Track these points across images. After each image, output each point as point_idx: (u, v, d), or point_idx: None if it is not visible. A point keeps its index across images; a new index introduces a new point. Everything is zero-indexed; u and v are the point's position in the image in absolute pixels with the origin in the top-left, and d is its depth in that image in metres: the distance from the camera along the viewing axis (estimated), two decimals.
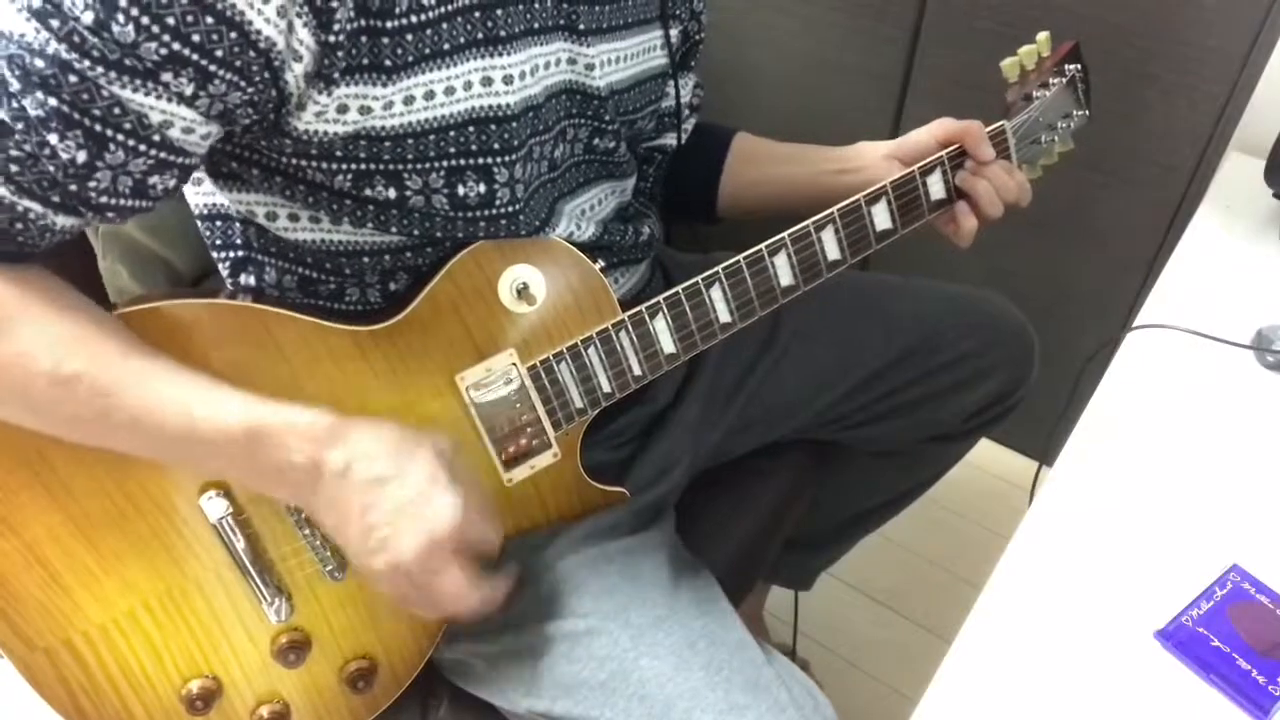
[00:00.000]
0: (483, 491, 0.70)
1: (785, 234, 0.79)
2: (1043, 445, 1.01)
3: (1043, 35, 0.87)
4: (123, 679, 0.72)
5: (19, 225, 0.58)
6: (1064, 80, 0.88)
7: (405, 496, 0.63)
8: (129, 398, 0.59)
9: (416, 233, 0.71)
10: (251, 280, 0.76)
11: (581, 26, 0.74)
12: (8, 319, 0.58)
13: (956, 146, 0.84)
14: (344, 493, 0.62)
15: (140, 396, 0.59)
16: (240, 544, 0.70)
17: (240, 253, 0.75)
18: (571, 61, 0.74)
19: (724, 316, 0.80)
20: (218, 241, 0.76)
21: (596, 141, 0.80)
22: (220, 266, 0.77)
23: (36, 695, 0.71)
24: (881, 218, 0.82)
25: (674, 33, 0.86)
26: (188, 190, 0.76)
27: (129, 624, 0.71)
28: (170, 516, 0.69)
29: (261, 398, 0.62)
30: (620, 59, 0.79)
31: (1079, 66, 0.89)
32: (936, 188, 0.84)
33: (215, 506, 0.69)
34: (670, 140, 0.96)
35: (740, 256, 0.78)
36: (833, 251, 0.81)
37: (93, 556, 0.68)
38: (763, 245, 0.79)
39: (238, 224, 0.74)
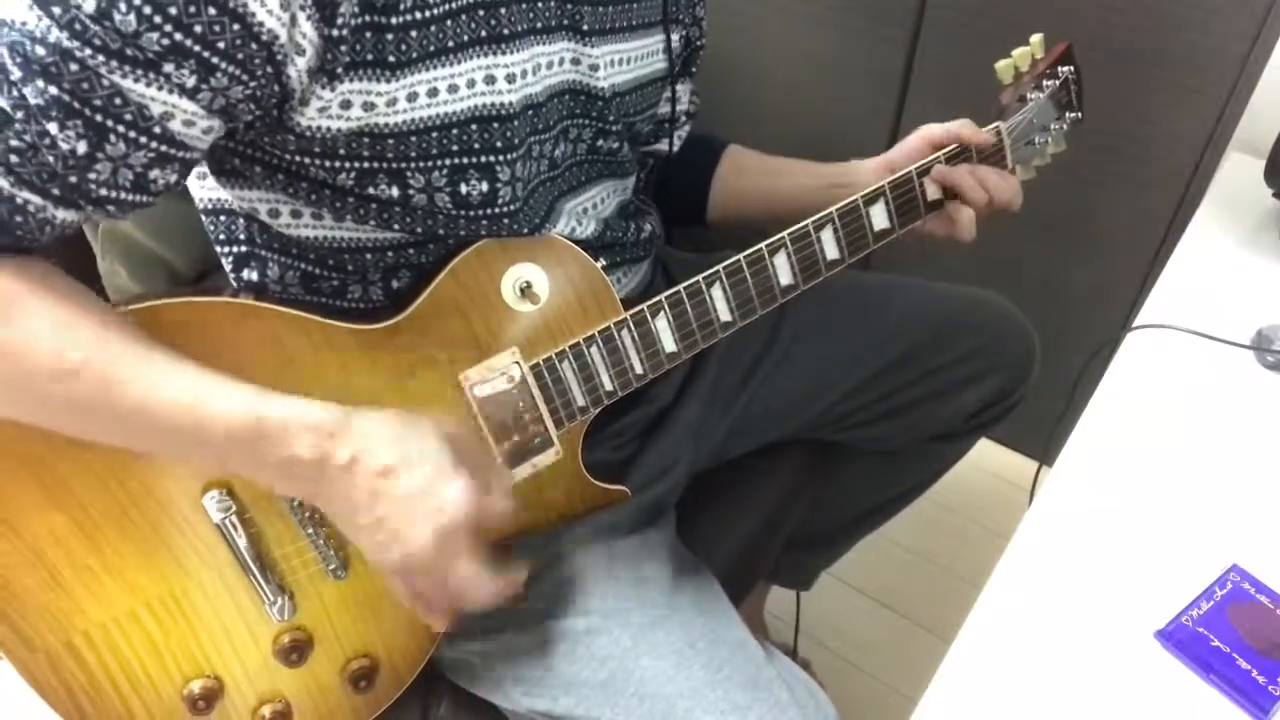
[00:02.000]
0: (490, 465, 0.69)
1: (785, 233, 0.80)
2: (1043, 445, 1.01)
3: (1036, 38, 0.87)
4: (124, 679, 0.72)
5: (18, 218, 0.58)
6: (1057, 82, 0.88)
7: (414, 485, 0.62)
8: (132, 389, 0.58)
9: (419, 230, 0.71)
10: (254, 276, 0.76)
11: (585, 27, 0.74)
12: (10, 307, 0.57)
13: (953, 147, 0.84)
14: (352, 485, 0.62)
15: (144, 388, 0.58)
16: (243, 543, 0.70)
17: (243, 248, 0.75)
18: (575, 62, 0.74)
19: (724, 315, 0.80)
20: (221, 236, 0.76)
21: (601, 142, 0.80)
22: (224, 261, 0.77)
23: (37, 696, 0.71)
24: (879, 218, 0.83)
25: (674, 38, 0.86)
26: (192, 184, 0.76)
27: (130, 624, 0.71)
28: (172, 516, 0.69)
29: (266, 391, 0.61)
30: (624, 61, 0.79)
31: (1072, 69, 0.90)
32: (933, 188, 0.85)
33: (217, 506, 0.69)
34: (664, 146, 0.96)
35: (740, 255, 0.79)
36: (832, 251, 0.82)
37: (94, 557, 0.68)
38: (763, 245, 0.79)
39: (241, 220, 0.74)
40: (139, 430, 0.60)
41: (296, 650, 0.75)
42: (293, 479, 0.63)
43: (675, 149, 0.98)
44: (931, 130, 0.86)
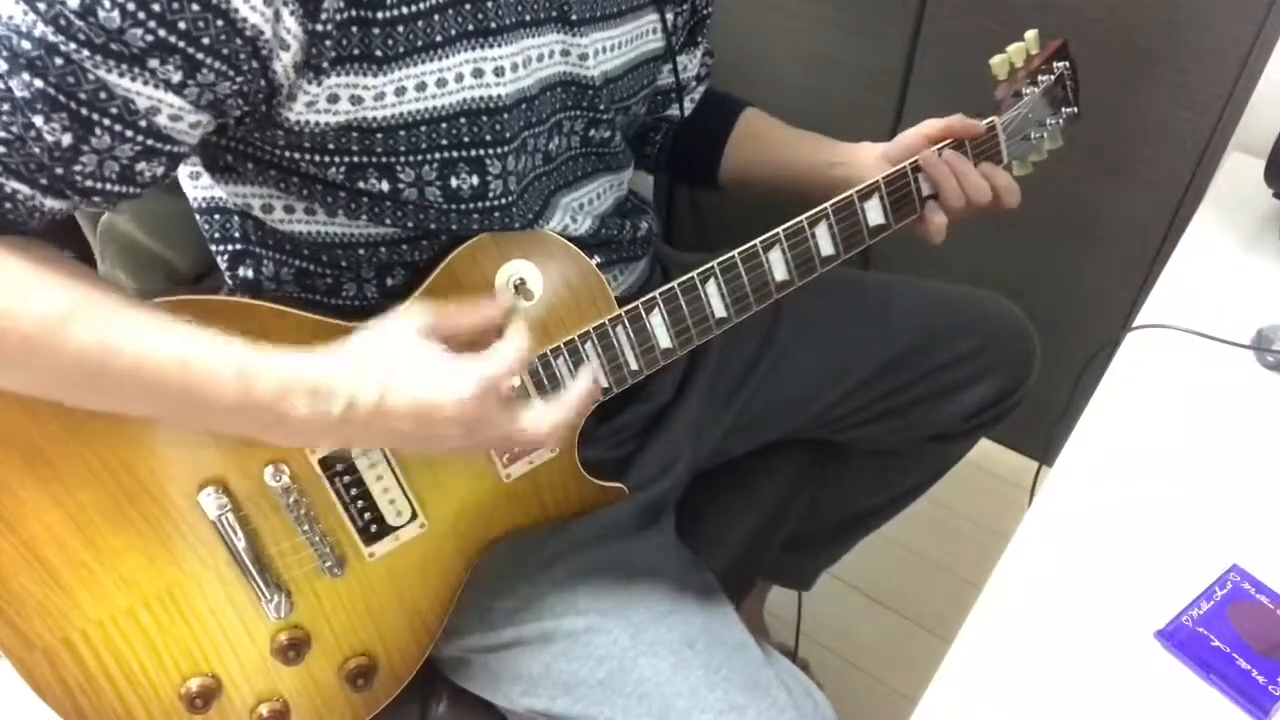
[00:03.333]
0: (480, 327, 0.68)
1: (780, 229, 0.79)
2: (1043, 445, 1.01)
3: (1031, 33, 0.87)
4: (122, 678, 0.72)
5: (7, 205, 0.58)
6: (1053, 78, 0.88)
7: (414, 392, 0.61)
8: (126, 348, 0.57)
9: (411, 225, 0.71)
10: (249, 273, 0.76)
11: (574, 17, 0.74)
12: (6, 275, 0.57)
13: (947, 142, 0.84)
14: (365, 427, 0.62)
15: (137, 346, 0.58)
16: (239, 541, 0.70)
17: (238, 246, 0.75)
18: (565, 53, 0.74)
19: (719, 311, 0.80)
20: (216, 234, 0.76)
21: (593, 132, 0.80)
22: (219, 260, 0.77)
23: (35, 695, 0.71)
24: (874, 213, 0.83)
25: (673, 15, 0.86)
26: (185, 183, 0.76)
27: (128, 622, 0.71)
28: (169, 513, 0.69)
29: (257, 351, 0.60)
30: (614, 47, 0.79)
31: (1068, 64, 0.90)
32: (927, 184, 0.85)
33: (214, 503, 0.69)
34: (674, 112, 0.96)
35: (735, 251, 0.79)
36: (826, 247, 0.82)
37: (91, 554, 0.68)
38: (757, 240, 0.79)
39: (235, 217, 0.74)
40: (133, 392, 0.59)
41: (294, 648, 0.75)
42: (299, 436, 0.63)
43: (687, 113, 0.98)
44: (931, 125, 0.86)
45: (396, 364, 0.62)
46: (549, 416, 0.66)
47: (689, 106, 0.99)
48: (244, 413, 0.60)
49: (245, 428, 0.62)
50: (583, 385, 0.69)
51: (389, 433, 0.63)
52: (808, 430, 1.05)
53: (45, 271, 0.58)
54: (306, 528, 0.71)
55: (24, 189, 0.58)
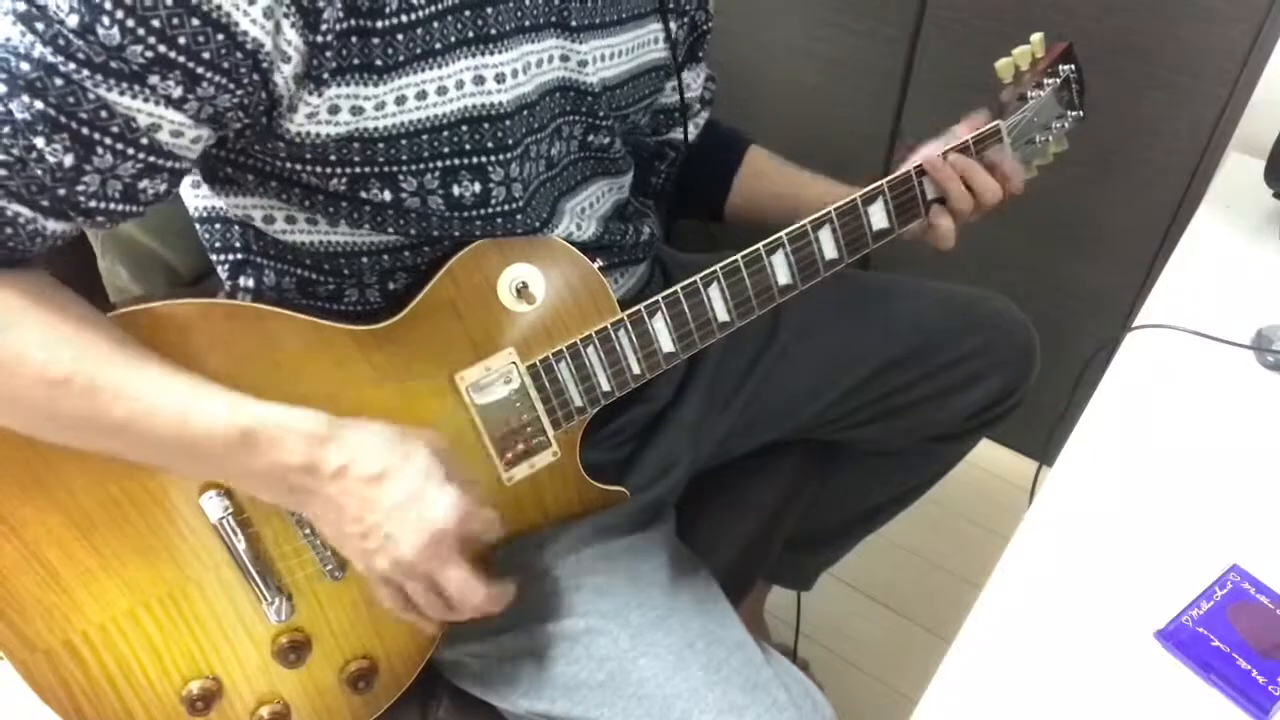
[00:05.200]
0: (480, 488, 0.70)
1: (783, 233, 0.79)
2: (1043, 445, 1.01)
3: (1036, 36, 0.87)
4: (123, 680, 0.72)
5: (9, 230, 0.58)
6: (1058, 81, 0.88)
7: (404, 492, 0.63)
8: (120, 399, 0.59)
9: (414, 232, 0.71)
10: (250, 283, 0.76)
11: (573, 23, 0.74)
12: (5, 319, 0.58)
13: (952, 145, 0.84)
14: (342, 492, 0.62)
15: (132, 398, 0.59)
16: (240, 544, 0.70)
17: (239, 255, 0.75)
18: (564, 58, 0.74)
19: (722, 315, 0.80)
20: (216, 244, 0.76)
21: (591, 138, 0.80)
22: (219, 269, 0.77)
23: (36, 697, 0.71)
24: (878, 217, 0.83)
25: (675, 25, 0.86)
26: (185, 193, 0.76)
27: (129, 624, 0.71)
28: (170, 516, 0.69)
29: (255, 399, 0.62)
30: (614, 54, 0.79)
31: (1073, 67, 0.90)
32: (931, 188, 0.85)
33: (215, 506, 0.69)
34: (678, 135, 0.96)
35: (738, 255, 0.78)
36: (830, 251, 0.82)
37: (92, 556, 0.68)
38: (760, 244, 0.79)
39: (235, 227, 0.74)
40: (127, 441, 0.61)
41: (295, 651, 0.75)
42: (283, 487, 0.63)
43: (691, 138, 0.98)
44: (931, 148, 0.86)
45: (406, 460, 0.64)
46: (481, 591, 0.67)
47: (694, 130, 0.99)
48: (237, 460, 0.62)
49: (235, 476, 0.66)
50: (510, 585, 0.71)
51: (359, 512, 0.63)
52: (808, 431, 1.05)
53: (46, 315, 0.59)
54: (308, 531, 0.71)
55: (26, 212, 0.58)
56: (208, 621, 0.73)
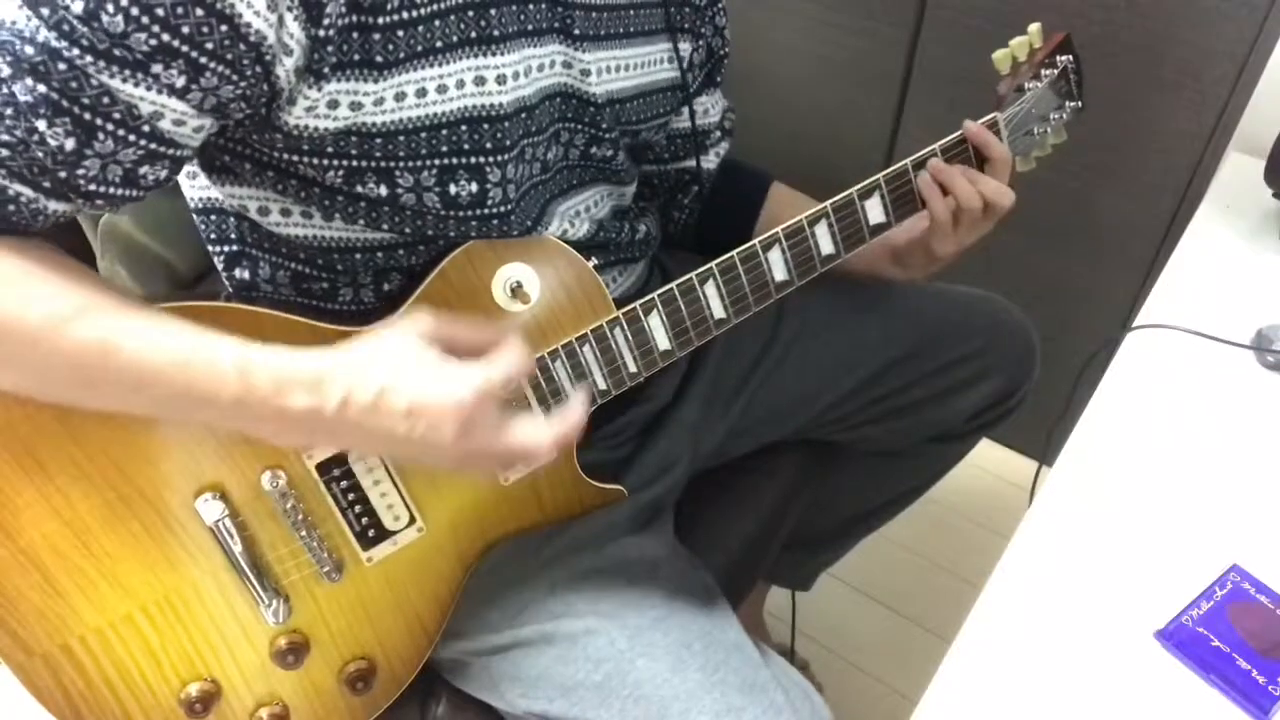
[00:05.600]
0: (491, 330, 0.68)
1: (779, 229, 0.79)
2: (1043, 445, 1.01)
3: (1034, 27, 0.87)
4: (121, 683, 0.72)
5: (10, 207, 0.58)
6: (1056, 71, 0.88)
7: (407, 397, 0.61)
8: (126, 346, 0.57)
9: (408, 230, 0.70)
10: (245, 275, 0.76)
11: (576, 31, 0.74)
12: (8, 274, 0.57)
13: (951, 139, 0.84)
14: (358, 423, 0.61)
15: (138, 344, 0.58)
16: (237, 546, 0.70)
17: (234, 247, 0.75)
18: (567, 65, 0.74)
19: (719, 313, 0.80)
20: (212, 235, 0.76)
21: (594, 149, 0.80)
22: (215, 260, 0.77)
23: (35, 701, 0.71)
24: (875, 211, 0.82)
25: (684, 46, 0.86)
26: (183, 183, 0.76)
27: (127, 628, 0.71)
28: (167, 519, 0.69)
29: (255, 347, 0.60)
30: (621, 68, 0.79)
31: (1071, 57, 0.89)
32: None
33: (212, 509, 0.68)
34: (692, 163, 0.95)
35: (734, 252, 0.78)
36: (827, 246, 0.81)
37: (89, 561, 0.68)
38: (756, 240, 0.79)
39: (231, 218, 0.74)
40: (132, 389, 0.59)
41: (293, 653, 0.75)
42: (294, 431, 0.62)
43: (711, 166, 0.97)
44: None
45: (396, 364, 0.62)
46: (546, 430, 0.65)
47: (714, 159, 0.99)
48: (242, 407, 0.60)
49: (243, 423, 0.62)
50: (582, 400, 0.69)
51: (384, 434, 0.62)
52: (808, 431, 1.05)
53: (49, 272, 0.58)
54: (304, 533, 0.71)
55: (27, 192, 0.58)
56: (205, 624, 0.73)
